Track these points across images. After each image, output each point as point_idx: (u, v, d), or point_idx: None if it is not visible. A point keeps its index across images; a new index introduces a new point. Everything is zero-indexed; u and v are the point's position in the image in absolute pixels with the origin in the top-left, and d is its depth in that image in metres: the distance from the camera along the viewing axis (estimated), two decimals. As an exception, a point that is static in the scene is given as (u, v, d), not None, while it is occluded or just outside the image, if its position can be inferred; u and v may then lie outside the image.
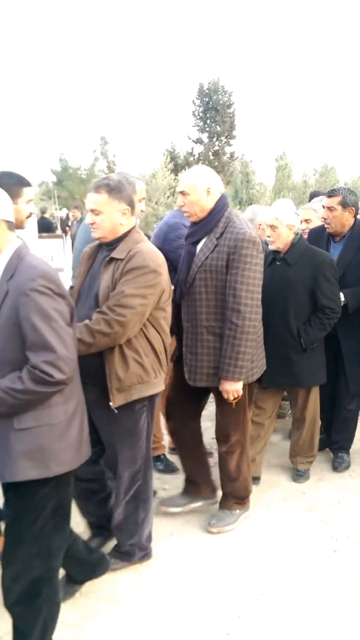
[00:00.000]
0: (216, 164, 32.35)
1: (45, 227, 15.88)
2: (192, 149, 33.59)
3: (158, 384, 2.89)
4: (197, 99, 34.24)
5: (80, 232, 3.74)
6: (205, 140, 33.93)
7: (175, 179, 23.51)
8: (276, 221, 3.68)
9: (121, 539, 3.02)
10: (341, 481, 4.08)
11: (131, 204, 2.77)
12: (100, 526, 3.19)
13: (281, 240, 3.71)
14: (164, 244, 3.89)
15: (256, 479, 3.93)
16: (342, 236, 4.03)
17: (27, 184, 3.04)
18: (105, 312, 2.63)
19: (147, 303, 2.69)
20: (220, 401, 3.30)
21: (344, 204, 3.91)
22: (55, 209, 18.05)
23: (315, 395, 3.97)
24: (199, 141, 34.05)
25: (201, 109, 34.14)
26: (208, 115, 33.80)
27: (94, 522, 3.22)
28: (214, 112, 33.54)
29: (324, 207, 4.12)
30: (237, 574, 3.04)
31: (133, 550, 3.02)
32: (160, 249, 3.79)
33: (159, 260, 2.78)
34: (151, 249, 2.81)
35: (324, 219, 4.07)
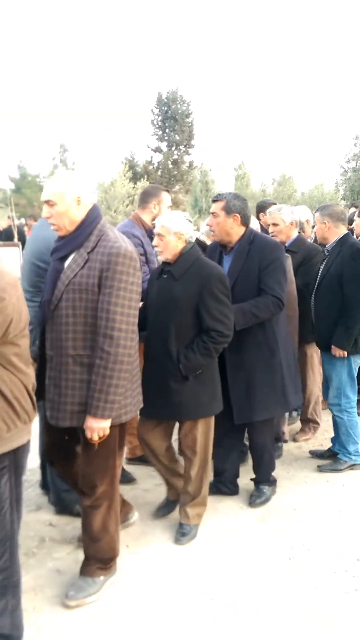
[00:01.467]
0: (175, 172, 32.51)
1: (8, 235, 15.66)
2: (151, 157, 33.66)
3: (15, 437, 2.32)
4: (156, 107, 34.36)
5: (30, 242, 3.61)
6: (164, 149, 34.04)
7: (134, 187, 23.54)
8: (162, 229, 3.28)
9: None
10: (296, 488, 4.12)
11: None
12: None
13: (169, 250, 3.29)
14: None
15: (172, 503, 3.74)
16: (232, 247, 3.68)
17: None
18: None
19: None
20: (86, 445, 2.80)
21: (228, 210, 3.56)
22: (9, 217, 17.81)
23: (204, 428, 3.40)
24: (157, 150, 34.14)
25: (160, 118, 34.27)
26: (167, 124, 33.94)
27: None
28: (173, 121, 33.70)
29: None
30: (191, 585, 3.04)
31: None
32: None
33: (3, 281, 2.19)
34: None
35: (209, 225, 3.96)
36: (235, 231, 3.62)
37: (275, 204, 6.06)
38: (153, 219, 3.94)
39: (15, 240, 16.06)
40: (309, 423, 5.02)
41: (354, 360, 4.24)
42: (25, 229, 16.54)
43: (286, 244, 4.56)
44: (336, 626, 2.73)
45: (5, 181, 32.09)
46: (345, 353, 4.12)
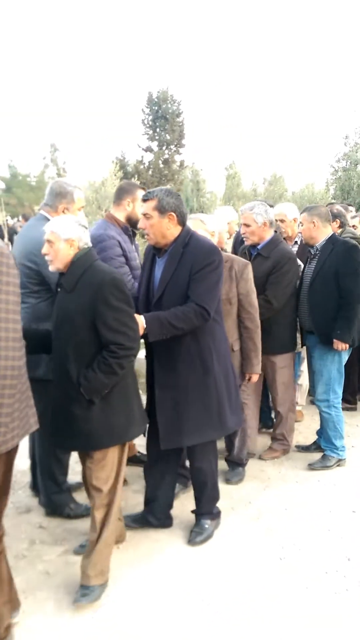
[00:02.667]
0: (166, 172, 32.47)
1: (-1, 235, 15.62)
2: (142, 157, 33.62)
3: None
4: (147, 107, 34.32)
5: (19, 243, 3.56)
6: (155, 148, 34.00)
7: (125, 187, 23.44)
8: (52, 235, 2.87)
9: None
10: (287, 488, 4.12)
11: None
12: None
13: (59, 259, 2.88)
14: None
15: None
16: (165, 250, 3.24)
17: None
18: None
19: None
20: None
21: (161, 209, 3.13)
22: (3, 217, 17.77)
23: (116, 458, 2.93)
24: (148, 149, 34.10)
25: (150, 117, 34.21)
26: (157, 123, 33.89)
27: None
28: (164, 120, 33.66)
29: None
30: (183, 585, 3.03)
31: None
32: None
33: None
34: None
35: (142, 228, 3.37)
36: (171, 232, 3.19)
37: (272, 205, 6.05)
38: (127, 217, 3.91)
39: (5, 240, 16.00)
40: (278, 441, 4.67)
41: (344, 356, 4.34)
42: (19, 229, 16.52)
43: (258, 247, 4.34)
44: (328, 626, 2.73)
45: (-4, 181, 31.92)
46: (347, 346, 4.20)
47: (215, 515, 3.57)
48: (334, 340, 4.19)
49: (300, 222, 4.48)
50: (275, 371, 4.46)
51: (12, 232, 17.75)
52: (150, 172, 32.08)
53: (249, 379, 4.08)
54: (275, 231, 4.36)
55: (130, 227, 3.92)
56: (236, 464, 4.28)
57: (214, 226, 3.76)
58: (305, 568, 3.18)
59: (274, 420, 4.83)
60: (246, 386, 4.19)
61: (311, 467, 4.41)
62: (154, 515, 3.52)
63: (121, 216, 3.93)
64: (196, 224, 3.65)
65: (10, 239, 16.92)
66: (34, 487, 3.94)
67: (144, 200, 3.19)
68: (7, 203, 28.18)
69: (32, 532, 3.54)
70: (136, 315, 2.93)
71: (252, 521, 3.68)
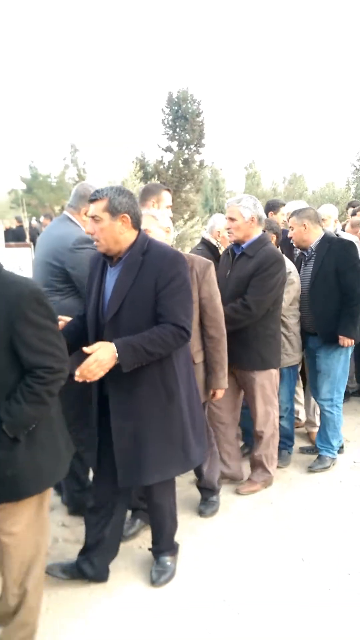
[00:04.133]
0: (186, 172, 32.44)
1: (18, 237, 15.71)
2: (162, 157, 33.62)
3: None
4: (167, 107, 34.33)
5: (44, 242, 3.60)
6: (175, 148, 33.98)
7: (145, 187, 23.50)
8: None
9: None
10: (309, 489, 4.10)
11: None
12: None
13: None
14: None
15: None
16: (119, 258, 2.74)
17: None
18: None
19: None
20: None
21: (113, 211, 2.66)
22: (16, 218, 17.89)
23: (38, 506, 2.40)
24: (168, 149, 34.09)
25: (170, 117, 34.20)
26: (177, 123, 33.87)
27: None
28: (184, 120, 33.64)
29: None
30: (204, 585, 3.04)
31: None
32: None
33: None
34: None
35: (90, 234, 2.93)
36: (125, 237, 2.70)
37: (284, 204, 6.06)
38: None
39: (27, 240, 16.12)
40: (258, 469, 4.11)
41: (348, 355, 4.40)
42: (42, 229, 16.65)
43: (242, 245, 3.89)
44: (351, 628, 2.72)
45: (17, 182, 32.18)
46: (352, 342, 4.22)
47: (175, 550, 3.21)
48: (340, 337, 4.21)
49: (290, 226, 4.42)
50: (255, 389, 3.96)
51: (35, 233, 17.90)
52: (170, 172, 32.09)
53: (214, 395, 3.58)
54: (264, 230, 3.97)
55: None
56: (208, 491, 3.81)
57: (167, 222, 3.36)
58: (327, 569, 3.17)
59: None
60: (220, 402, 3.79)
61: (311, 469, 4.37)
62: (92, 564, 2.99)
63: None
64: (148, 220, 3.22)
65: (32, 240, 17.05)
66: (57, 485, 3.96)
67: (92, 200, 2.71)
68: (28, 203, 28.40)
69: (55, 530, 3.56)
70: (104, 343, 2.55)
71: (273, 521, 3.67)
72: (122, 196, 2.68)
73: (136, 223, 2.74)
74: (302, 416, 5.18)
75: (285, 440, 4.52)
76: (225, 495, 3.92)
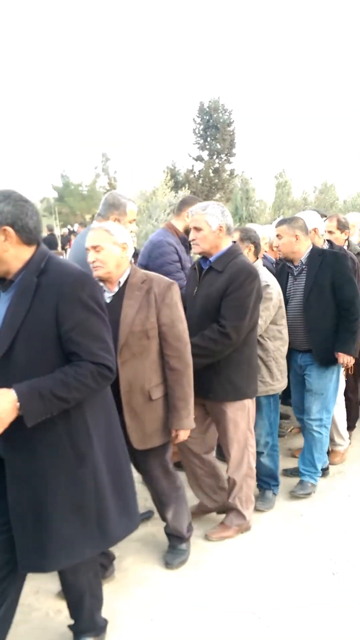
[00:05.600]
0: (216, 181, 32.56)
1: (49, 244, 15.96)
2: (193, 166, 33.79)
3: None
4: (198, 117, 34.53)
5: (73, 252, 3.65)
6: (206, 157, 34.14)
7: (175, 196, 23.62)
8: None
9: None
10: (339, 501, 4.05)
11: None
12: None
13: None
14: (149, 262, 4.00)
15: None
16: (11, 281, 2.22)
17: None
18: None
19: None
20: None
21: None
22: (56, 225, 18.15)
23: None
24: (199, 159, 34.27)
25: (202, 127, 34.41)
26: (208, 133, 34.06)
27: None
28: (215, 130, 33.80)
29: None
30: (234, 597, 3.01)
31: None
32: (145, 267, 3.87)
33: None
34: None
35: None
36: (12, 255, 2.18)
37: (325, 215, 5.98)
38: (185, 228, 4.06)
39: (59, 249, 16.31)
40: (232, 512, 3.62)
41: (340, 373, 4.23)
42: (73, 237, 16.89)
43: (210, 259, 3.39)
44: (382, 645, 2.67)
45: (49, 190, 32.66)
46: (352, 359, 4.03)
47: (98, 630, 2.66)
48: (339, 354, 3.98)
49: (278, 236, 4.13)
50: (227, 424, 3.43)
51: (66, 241, 18.10)
52: (200, 181, 32.22)
53: (176, 436, 3.05)
54: (234, 241, 3.56)
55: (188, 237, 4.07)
56: (176, 538, 3.33)
57: (124, 237, 2.89)
58: (359, 584, 3.11)
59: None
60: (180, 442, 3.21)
61: (293, 494, 4.09)
62: None
63: (180, 226, 4.17)
64: (99, 235, 2.82)
65: (64, 248, 17.25)
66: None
67: None
68: (59, 212, 28.80)
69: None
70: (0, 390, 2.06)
71: (303, 534, 3.63)
72: (6, 204, 2.13)
73: (27, 237, 2.18)
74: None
75: (269, 480, 4.00)
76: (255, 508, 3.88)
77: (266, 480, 4.00)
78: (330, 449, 4.62)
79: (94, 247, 2.83)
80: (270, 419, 3.92)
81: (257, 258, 3.87)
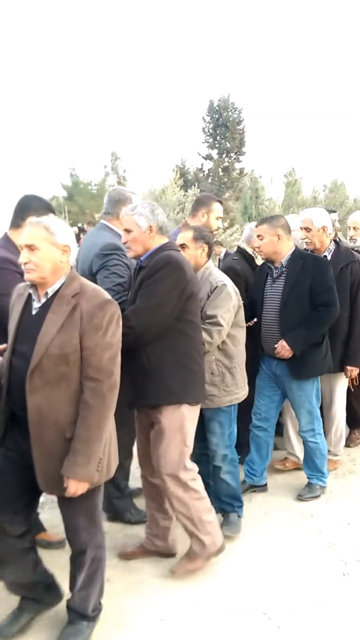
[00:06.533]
0: (226, 179, 32.53)
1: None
2: (202, 165, 33.78)
3: None
4: (207, 115, 34.48)
5: (82, 250, 3.57)
6: (215, 156, 34.11)
7: (184, 195, 23.62)
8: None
9: None
10: (350, 502, 4.03)
11: None
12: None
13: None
14: None
15: None
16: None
17: (54, 211, 3.09)
18: None
19: None
20: None
21: None
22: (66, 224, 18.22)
23: None
24: (208, 157, 34.23)
25: (211, 125, 34.37)
26: (218, 131, 34.00)
27: None
28: (224, 128, 33.74)
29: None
30: (244, 598, 3.00)
31: None
32: None
33: None
34: None
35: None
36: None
37: (335, 211, 5.93)
38: None
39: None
40: (192, 543, 3.17)
41: (318, 378, 4.02)
42: (82, 236, 16.88)
43: (141, 258, 3.08)
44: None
45: (58, 189, 32.70)
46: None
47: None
48: (282, 343, 3.77)
49: (259, 236, 3.90)
50: (157, 434, 3.02)
51: (76, 240, 18.02)
52: (209, 180, 32.19)
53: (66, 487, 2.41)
54: (183, 244, 3.41)
55: None
56: (76, 615, 2.68)
57: (67, 238, 2.45)
58: (370, 586, 3.10)
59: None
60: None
61: (300, 497, 4.03)
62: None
63: None
64: (37, 233, 2.40)
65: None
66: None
67: None
68: (69, 211, 28.83)
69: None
70: None
71: (313, 535, 3.62)
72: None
73: None
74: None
75: (231, 502, 3.62)
76: (266, 506, 3.88)
77: (228, 502, 3.61)
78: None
79: (29, 246, 2.38)
80: (229, 430, 3.53)
81: (209, 259, 3.54)
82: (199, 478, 3.12)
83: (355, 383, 4.49)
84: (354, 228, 5.10)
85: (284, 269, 3.89)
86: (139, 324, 2.84)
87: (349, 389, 4.62)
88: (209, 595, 3.02)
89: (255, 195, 26.40)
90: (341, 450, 4.60)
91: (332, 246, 4.33)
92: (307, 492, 4.05)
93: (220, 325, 3.33)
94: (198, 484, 3.11)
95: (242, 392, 3.56)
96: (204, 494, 3.15)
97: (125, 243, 3.11)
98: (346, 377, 4.36)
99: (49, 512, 3.81)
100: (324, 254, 4.26)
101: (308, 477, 4.12)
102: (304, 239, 4.31)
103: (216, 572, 3.22)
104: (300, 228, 4.32)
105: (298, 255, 3.89)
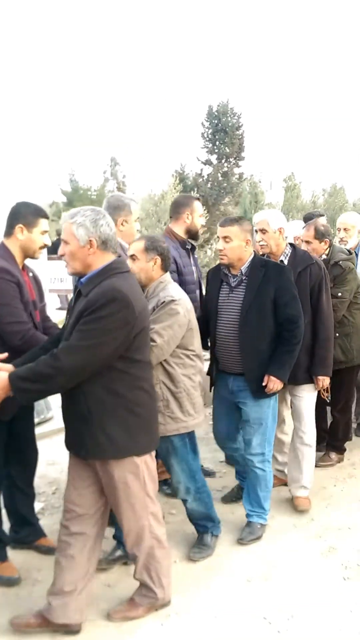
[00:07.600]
0: (225, 184, 32.52)
1: (57, 248, 15.96)
2: (201, 170, 33.79)
3: None
4: (206, 120, 34.51)
5: None
6: (214, 161, 34.12)
7: (184, 200, 23.59)
8: None
9: None
10: (350, 507, 4.03)
11: None
12: None
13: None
14: None
15: None
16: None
17: (45, 216, 3.09)
18: None
19: None
20: None
21: None
22: (57, 231, 18.22)
23: None
24: (207, 162, 34.24)
25: (210, 130, 34.38)
26: (217, 137, 34.01)
27: None
28: (223, 133, 33.75)
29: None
30: (245, 602, 3.00)
31: None
32: None
33: None
34: None
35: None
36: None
37: (322, 214, 5.94)
38: (187, 230, 4.01)
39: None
40: (142, 588, 2.92)
41: (277, 399, 3.68)
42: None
43: (82, 280, 2.67)
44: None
45: (58, 195, 32.76)
46: (282, 386, 3.50)
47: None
48: (270, 378, 3.43)
49: (225, 238, 3.48)
50: (112, 489, 2.68)
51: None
52: (209, 185, 32.22)
53: None
54: (133, 255, 3.16)
55: (190, 238, 4.03)
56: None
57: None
58: (370, 590, 3.10)
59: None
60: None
61: (241, 541, 3.55)
62: None
63: (180, 230, 4.05)
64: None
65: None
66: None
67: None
68: (68, 216, 28.82)
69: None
70: None
71: (314, 539, 3.61)
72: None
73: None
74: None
75: (205, 523, 3.48)
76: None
77: (202, 524, 3.49)
78: (292, 495, 4.05)
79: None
80: (188, 461, 3.29)
81: (165, 272, 3.24)
82: (164, 528, 2.90)
83: (326, 393, 4.13)
84: (344, 229, 5.00)
85: (243, 277, 3.53)
86: (67, 365, 2.45)
87: (324, 402, 4.40)
88: (208, 600, 3.02)
89: (254, 200, 26.36)
90: (308, 485, 4.03)
91: (289, 250, 3.96)
92: (248, 534, 3.58)
93: (153, 341, 2.94)
94: (160, 532, 2.85)
95: (192, 421, 3.24)
96: (166, 543, 2.90)
97: (62, 256, 2.64)
98: (316, 389, 3.99)
99: (49, 517, 3.81)
100: (280, 258, 3.91)
101: (247, 515, 3.66)
102: (259, 241, 3.95)
103: (216, 576, 3.22)
104: (255, 230, 3.94)
105: (258, 263, 3.54)
